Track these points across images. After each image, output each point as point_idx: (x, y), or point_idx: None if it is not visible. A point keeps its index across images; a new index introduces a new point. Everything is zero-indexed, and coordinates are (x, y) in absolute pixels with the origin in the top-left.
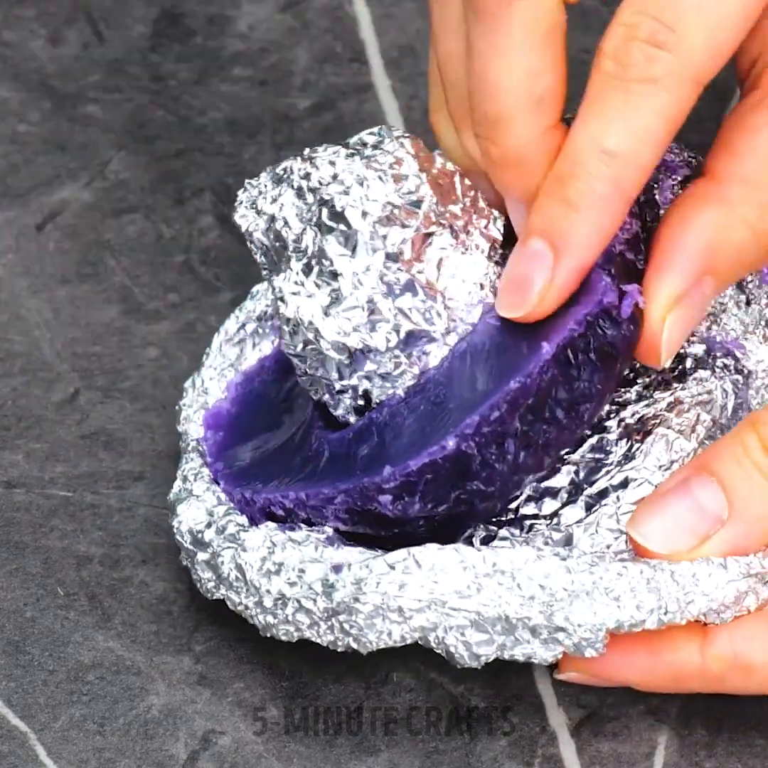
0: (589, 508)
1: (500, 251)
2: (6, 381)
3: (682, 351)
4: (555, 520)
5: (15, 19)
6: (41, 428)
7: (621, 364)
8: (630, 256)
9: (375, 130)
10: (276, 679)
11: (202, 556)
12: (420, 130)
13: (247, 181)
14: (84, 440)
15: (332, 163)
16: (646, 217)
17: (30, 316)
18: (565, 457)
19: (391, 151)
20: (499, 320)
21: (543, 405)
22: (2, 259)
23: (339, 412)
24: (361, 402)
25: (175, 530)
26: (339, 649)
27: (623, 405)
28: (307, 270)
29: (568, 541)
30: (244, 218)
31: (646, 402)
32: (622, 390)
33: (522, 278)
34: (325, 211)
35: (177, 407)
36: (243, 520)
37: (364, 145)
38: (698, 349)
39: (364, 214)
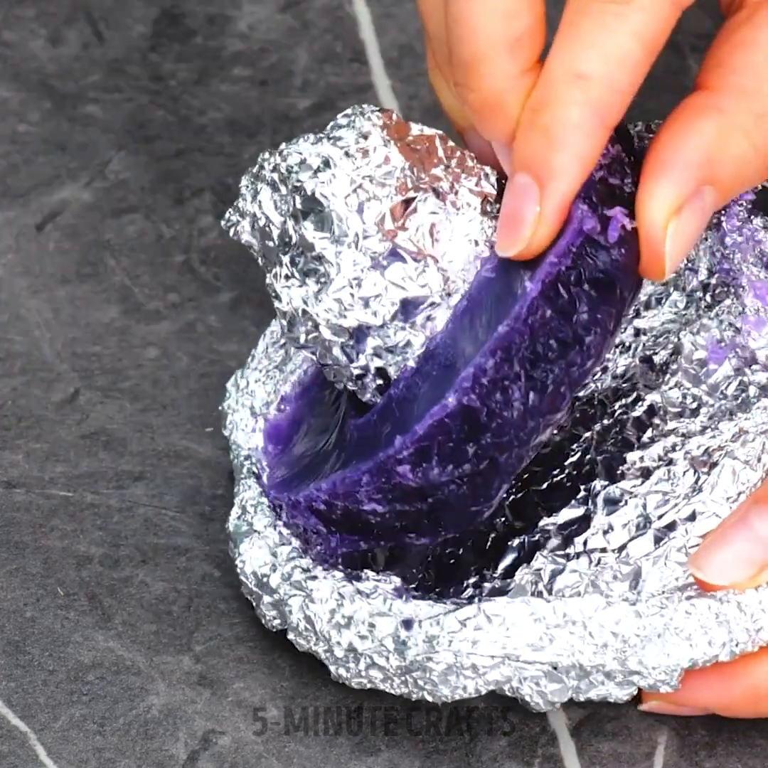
0: (657, 541)
1: (496, 206)
2: (6, 381)
3: (744, 379)
4: (623, 553)
5: (15, 19)
6: (41, 428)
7: (623, 291)
8: (613, 180)
9: (349, 110)
10: (276, 679)
11: (267, 599)
12: None
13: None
14: (84, 440)
15: (299, 151)
16: (632, 144)
17: (30, 316)
18: (633, 490)
19: (358, 127)
20: (493, 271)
21: (541, 345)
22: (2, 259)
23: (367, 396)
24: (380, 381)
25: (237, 567)
26: (413, 699)
27: (688, 436)
28: (294, 261)
29: (636, 575)
30: (229, 222)
31: (711, 434)
32: (687, 420)
33: (513, 215)
34: (297, 198)
35: (220, 409)
36: (307, 562)
37: (336, 127)
38: (761, 377)
39: (336, 192)
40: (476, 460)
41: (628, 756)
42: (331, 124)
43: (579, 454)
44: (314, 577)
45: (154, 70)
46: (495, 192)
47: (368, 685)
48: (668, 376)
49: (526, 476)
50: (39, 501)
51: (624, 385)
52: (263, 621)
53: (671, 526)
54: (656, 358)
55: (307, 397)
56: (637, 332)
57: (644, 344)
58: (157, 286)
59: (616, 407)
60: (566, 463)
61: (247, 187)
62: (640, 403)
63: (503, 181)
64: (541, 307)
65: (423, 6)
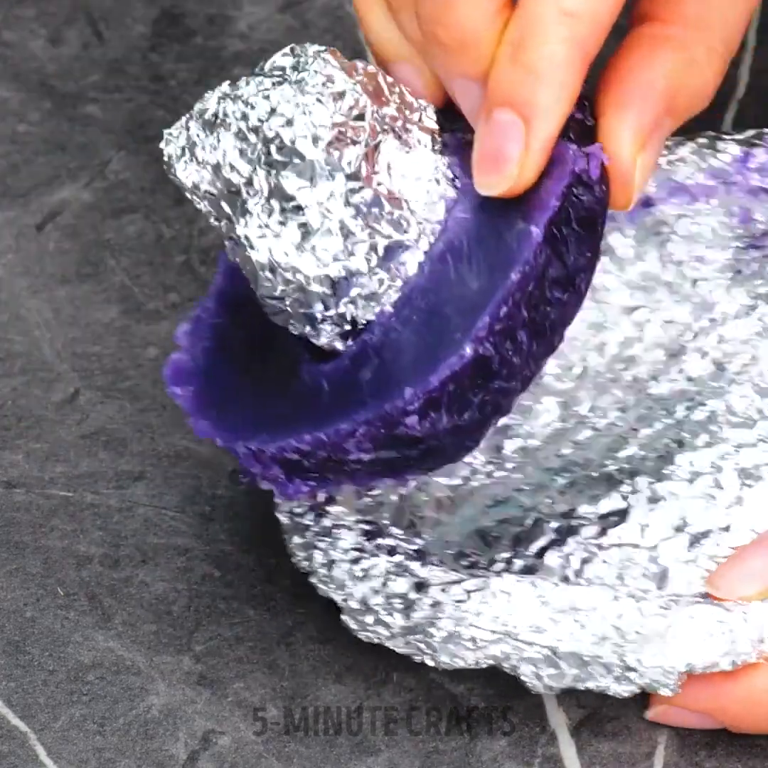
0: (691, 545)
1: (441, 140)
2: (6, 381)
3: None
4: (654, 552)
5: (15, 19)
6: (41, 428)
7: (601, 226)
8: (579, 116)
9: (287, 50)
10: (276, 679)
11: (297, 539)
12: None
13: (165, 131)
14: (84, 440)
15: (266, 97)
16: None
17: (30, 316)
18: (677, 491)
19: (319, 69)
20: (468, 212)
21: (544, 288)
22: (2, 259)
23: (323, 340)
24: (347, 327)
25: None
26: (416, 660)
27: (741, 447)
28: (268, 211)
29: (663, 576)
30: (186, 172)
31: (764, 448)
32: (744, 431)
33: (496, 152)
34: (273, 148)
35: None
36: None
37: (284, 69)
38: None
39: (315, 140)
40: (482, 405)
41: (628, 756)
42: (270, 64)
43: (634, 448)
44: (342, 526)
45: (154, 70)
46: (438, 127)
47: (375, 640)
48: (737, 384)
49: (581, 462)
50: (39, 501)
51: (692, 387)
52: (292, 559)
53: (706, 534)
54: (730, 366)
55: (202, 334)
56: (720, 339)
57: (724, 352)
58: (157, 286)
59: (679, 408)
60: (619, 455)
61: (200, 136)
62: (701, 407)
63: (440, 116)
64: (544, 250)
65: None
